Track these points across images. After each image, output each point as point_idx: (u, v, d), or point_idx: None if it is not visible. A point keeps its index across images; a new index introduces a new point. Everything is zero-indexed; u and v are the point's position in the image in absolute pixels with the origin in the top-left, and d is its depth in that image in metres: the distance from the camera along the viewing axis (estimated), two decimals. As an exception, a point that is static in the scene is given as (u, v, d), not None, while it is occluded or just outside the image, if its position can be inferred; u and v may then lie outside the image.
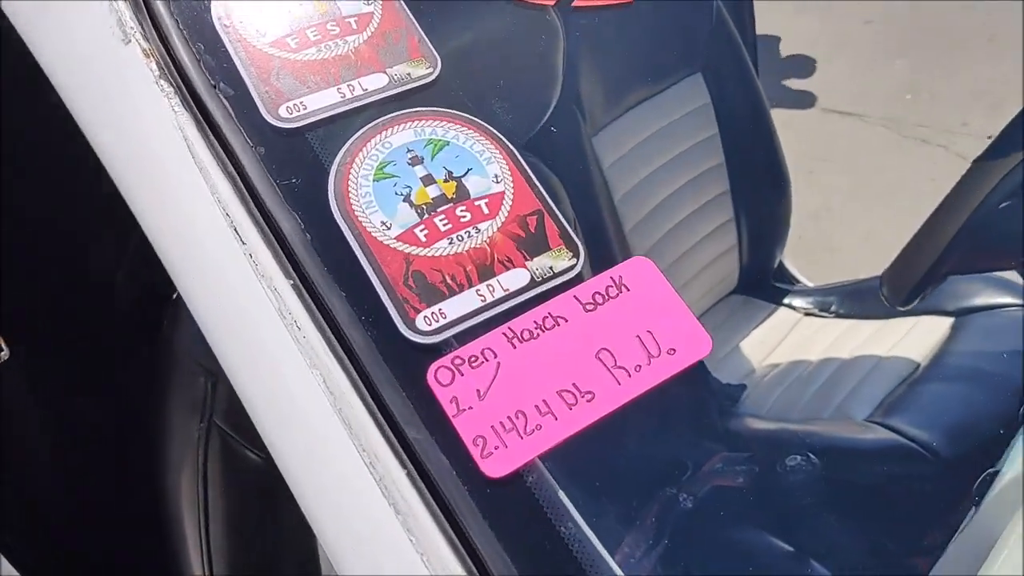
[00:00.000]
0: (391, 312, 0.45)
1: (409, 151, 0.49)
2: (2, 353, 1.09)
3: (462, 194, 0.48)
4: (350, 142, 0.49)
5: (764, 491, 0.73)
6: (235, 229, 0.45)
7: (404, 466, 0.42)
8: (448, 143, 0.50)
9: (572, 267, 0.48)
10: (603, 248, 0.81)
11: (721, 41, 1.28)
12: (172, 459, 0.92)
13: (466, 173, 0.49)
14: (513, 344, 0.45)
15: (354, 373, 0.43)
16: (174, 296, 0.90)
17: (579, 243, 0.48)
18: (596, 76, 1.03)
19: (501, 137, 0.51)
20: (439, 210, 0.48)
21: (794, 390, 1.22)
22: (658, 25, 1.15)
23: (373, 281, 0.45)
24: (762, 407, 1.20)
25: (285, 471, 0.42)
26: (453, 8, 0.56)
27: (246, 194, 0.46)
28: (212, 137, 0.47)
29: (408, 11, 0.54)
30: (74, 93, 0.49)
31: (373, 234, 0.47)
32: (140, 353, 0.98)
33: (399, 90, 0.51)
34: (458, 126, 0.51)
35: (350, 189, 0.47)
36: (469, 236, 0.47)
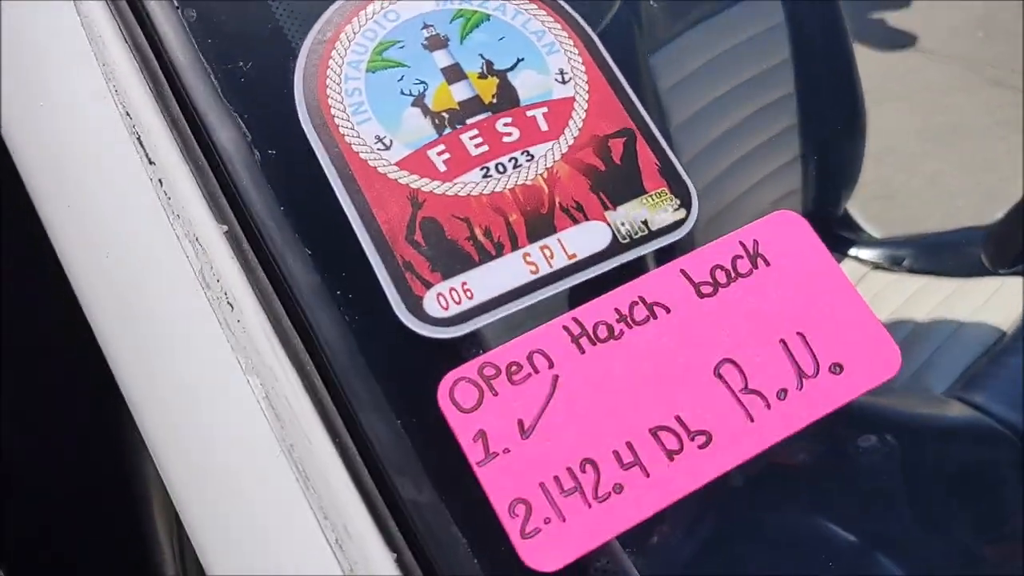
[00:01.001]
0: (384, 286, 0.27)
1: (426, 26, 0.31)
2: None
3: (507, 98, 0.30)
4: (332, 9, 0.30)
5: (831, 474, 0.60)
6: (138, 139, 0.27)
7: (394, 550, 0.24)
8: (489, 16, 0.31)
9: (681, 223, 0.29)
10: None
11: None
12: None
13: (516, 64, 0.31)
14: (581, 346, 0.27)
15: (319, 385, 0.26)
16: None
17: (690, 187, 0.30)
18: None
19: (574, 15, 0.32)
20: (469, 122, 0.30)
21: None
22: None
23: (358, 233, 0.28)
24: None
25: (198, 546, 0.26)
26: None
27: (162, 82, 0.28)
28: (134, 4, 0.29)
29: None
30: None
31: (362, 156, 0.29)
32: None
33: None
34: (505, -7, 0.32)
35: (328, 83, 0.29)
36: (516, 166, 0.29)
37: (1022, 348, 1.03)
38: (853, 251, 1.30)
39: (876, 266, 1.27)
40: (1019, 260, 1.02)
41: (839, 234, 1.33)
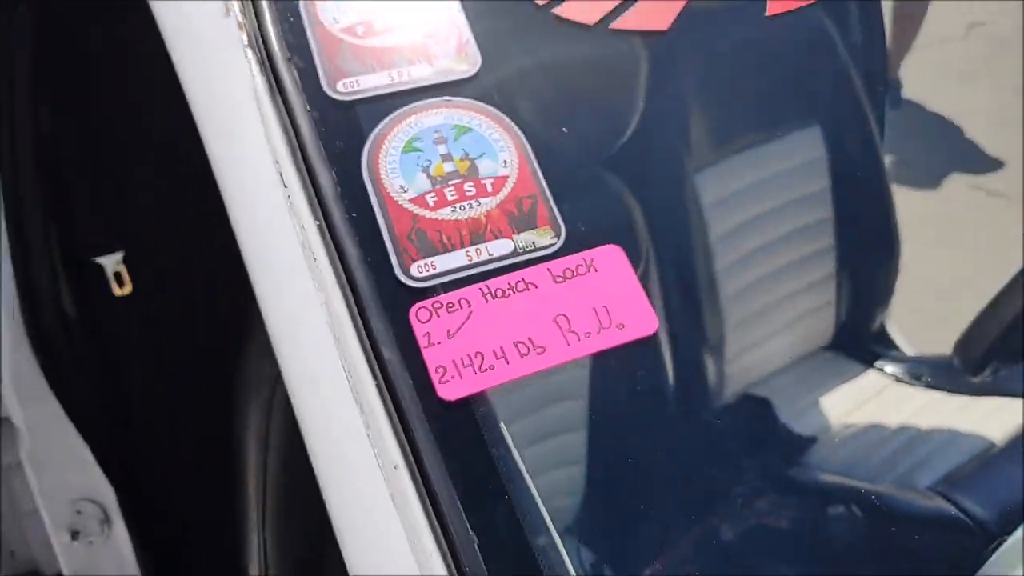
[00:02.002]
0: (392, 258, 0.54)
1: (436, 132, 0.59)
2: (125, 288, 1.25)
3: (472, 172, 0.58)
4: (389, 118, 0.59)
5: (801, 534, 0.78)
6: (280, 174, 0.56)
7: (375, 378, 0.51)
8: (471, 129, 0.59)
9: (552, 245, 0.56)
10: (686, 299, 0.87)
11: (844, 96, 1.31)
12: (246, 393, 1.05)
13: (480, 156, 0.58)
14: (486, 299, 0.54)
15: (351, 299, 0.53)
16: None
17: (563, 227, 0.57)
18: (704, 113, 1.09)
19: (519, 132, 0.60)
20: (450, 183, 0.57)
21: (863, 452, 1.23)
22: (778, 68, 1.19)
23: (383, 231, 0.55)
24: (827, 462, 1.23)
25: (282, 360, 0.52)
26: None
27: (295, 144, 0.57)
28: (279, 97, 0.58)
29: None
30: (180, 42, 0.61)
31: (391, 194, 0.56)
32: (235, 304, 1.11)
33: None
34: (483, 117, 0.60)
35: (380, 156, 0.57)
36: (470, 207, 0.56)
37: (1007, 459, 1.16)
38: (879, 363, 1.45)
39: (898, 379, 1.41)
40: (980, 366, 1.15)
41: (871, 348, 1.48)
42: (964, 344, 1.19)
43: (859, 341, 1.46)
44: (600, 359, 0.61)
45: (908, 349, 1.50)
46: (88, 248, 1.22)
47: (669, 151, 0.92)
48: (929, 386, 1.42)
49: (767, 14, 0.72)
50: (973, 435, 1.24)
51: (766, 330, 1.26)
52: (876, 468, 1.23)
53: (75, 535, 1.30)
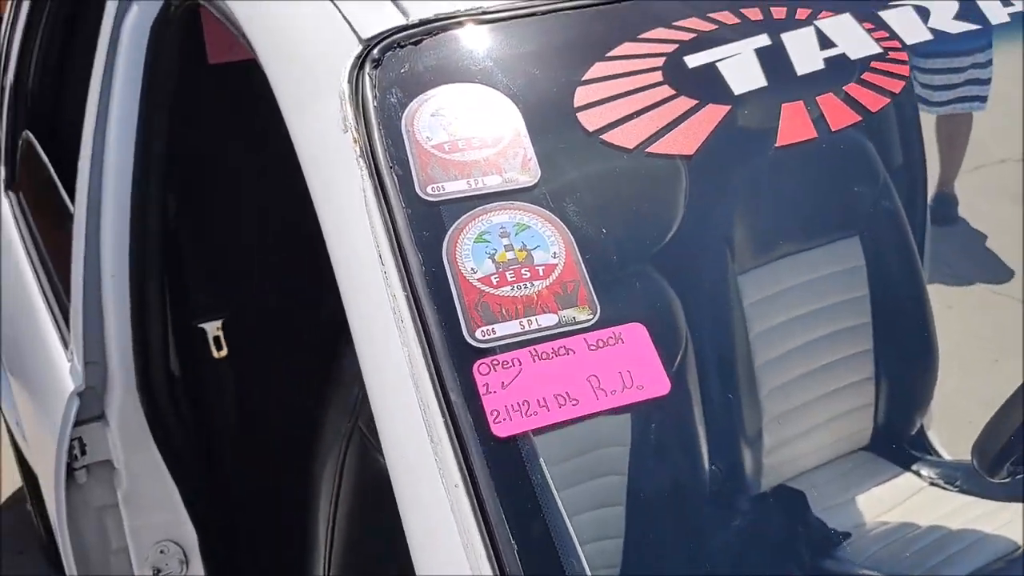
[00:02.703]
0: (461, 324, 0.70)
1: (503, 228, 0.75)
2: (222, 352, 1.43)
3: (528, 260, 0.73)
4: (465, 216, 0.75)
5: None
6: (379, 253, 0.72)
7: (443, 415, 0.66)
8: (529, 227, 0.75)
9: (589, 320, 0.71)
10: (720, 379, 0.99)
11: (884, 210, 1.42)
12: (323, 447, 1.19)
13: (535, 247, 0.74)
14: (534, 360, 0.68)
15: (428, 353, 0.68)
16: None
17: (598, 306, 0.71)
18: (748, 221, 1.22)
19: (567, 230, 0.75)
20: (510, 268, 0.73)
21: (893, 549, 1.31)
22: (819, 182, 1.31)
23: (455, 302, 0.71)
24: (857, 557, 1.31)
25: (372, 397, 0.68)
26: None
27: (391, 232, 0.73)
28: (381, 197, 0.75)
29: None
30: (307, 150, 0.78)
31: (463, 274, 0.72)
32: (317, 366, 1.27)
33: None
34: (539, 218, 0.76)
35: (457, 244, 0.73)
36: (525, 287, 0.72)
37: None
38: (916, 466, 1.52)
39: (932, 483, 1.49)
40: (997, 467, 1.23)
41: (909, 451, 1.55)
42: (980, 446, 1.26)
43: (897, 444, 1.54)
44: (638, 433, 0.75)
45: (945, 454, 1.57)
46: (194, 314, 1.41)
47: (709, 254, 1.06)
48: (962, 491, 1.49)
49: (776, 144, 0.87)
50: (1000, 537, 1.31)
51: (804, 426, 1.36)
52: (904, 565, 1.31)
53: (156, 572, 1.44)
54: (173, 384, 1.35)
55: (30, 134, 1.81)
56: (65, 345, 1.47)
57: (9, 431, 2.38)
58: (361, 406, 1.15)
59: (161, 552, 1.43)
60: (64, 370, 1.42)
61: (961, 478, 1.48)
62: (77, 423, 1.36)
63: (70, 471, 1.39)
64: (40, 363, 1.54)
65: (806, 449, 1.27)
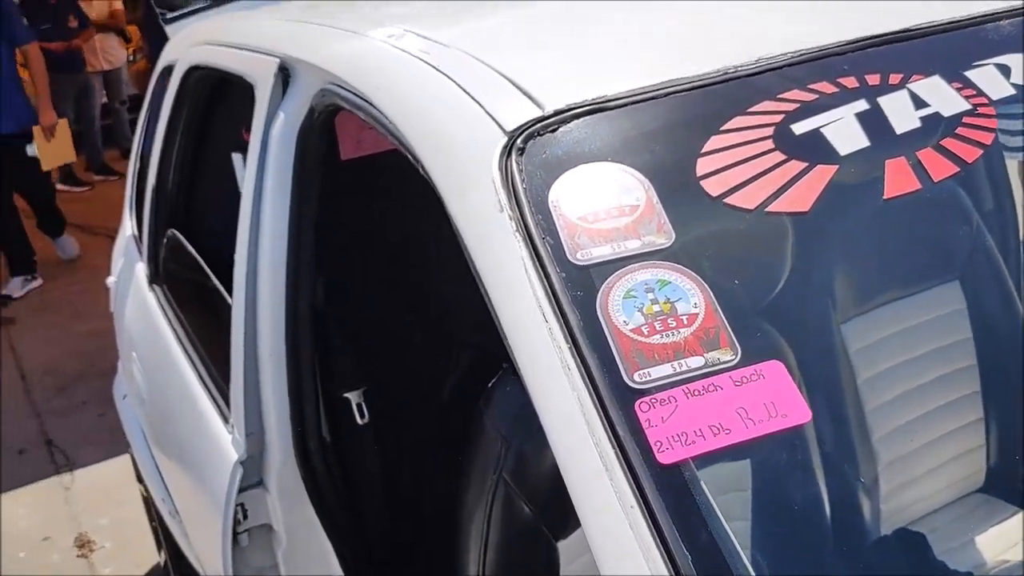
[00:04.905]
0: (620, 369, 0.80)
1: (647, 284, 0.86)
2: (364, 419, 1.56)
3: (672, 311, 0.84)
4: (613, 275, 0.86)
5: None
6: (542, 313, 0.84)
7: (614, 449, 0.76)
8: (670, 282, 0.86)
9: (732, 360, 0.81)
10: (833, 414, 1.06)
11: (980, 252, 1.48)
12: (469, 500, 1.29)
13: (677, 300, 0.85)
14: (688, 397, 0.79)
15: (594, 396, 0.79)
16: (490, 384, 1.30)
17: (739, 347, 0.82)
18: (851, 272, 1.30)
19: (704, 283, 0.86)
20: (658, 319, 0.83)
21: None
22: (917, 230, 1.37)
23: (613, 351, 0.81)
24: None
25: (552, 440, 0.78)
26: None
27: (550, 294, 0.85)
28: (537, 264, 0.87)
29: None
30: (469, 231, 0.91)
31: (617, 326, 0.83)
32: (459, 426, 1.38)
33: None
34: (678, 274, 0.87)
35: (609, 301, 0.85)
36: (672, 335, 0.82)
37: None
38: None
39: None
40: None
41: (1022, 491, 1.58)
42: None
43: (1012, 484, 1.56)
44: (766, 477, 0.84)
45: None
46: (340, 385, 1.55)
47: (816, 303, 1.15)
48: (1081, 528, 1.49)
49: (884, 196, 0.97)
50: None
51: (919, 470, 1.40)
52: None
53: (314, 628, 1.55)
54: (326, 449, 1.48)
55: (176, 232, 2.01)
56: (224, 420, 1.62)
57: (152, 507, 2.55)
58: (504, 459, 1.26)
59: (315, 609, 1.54)
60: (226, 442, 1.57)
61: (1080, 515, 1.49)
62: (239, 490, 1.49)
63: (234, 535, 1.52)
64: (200, 438, 1.70)
65: (923, 492, 1.32)
